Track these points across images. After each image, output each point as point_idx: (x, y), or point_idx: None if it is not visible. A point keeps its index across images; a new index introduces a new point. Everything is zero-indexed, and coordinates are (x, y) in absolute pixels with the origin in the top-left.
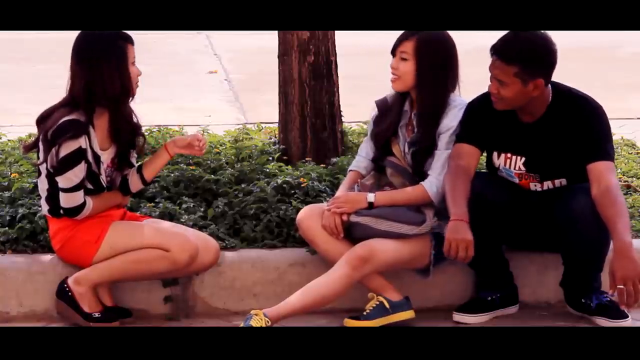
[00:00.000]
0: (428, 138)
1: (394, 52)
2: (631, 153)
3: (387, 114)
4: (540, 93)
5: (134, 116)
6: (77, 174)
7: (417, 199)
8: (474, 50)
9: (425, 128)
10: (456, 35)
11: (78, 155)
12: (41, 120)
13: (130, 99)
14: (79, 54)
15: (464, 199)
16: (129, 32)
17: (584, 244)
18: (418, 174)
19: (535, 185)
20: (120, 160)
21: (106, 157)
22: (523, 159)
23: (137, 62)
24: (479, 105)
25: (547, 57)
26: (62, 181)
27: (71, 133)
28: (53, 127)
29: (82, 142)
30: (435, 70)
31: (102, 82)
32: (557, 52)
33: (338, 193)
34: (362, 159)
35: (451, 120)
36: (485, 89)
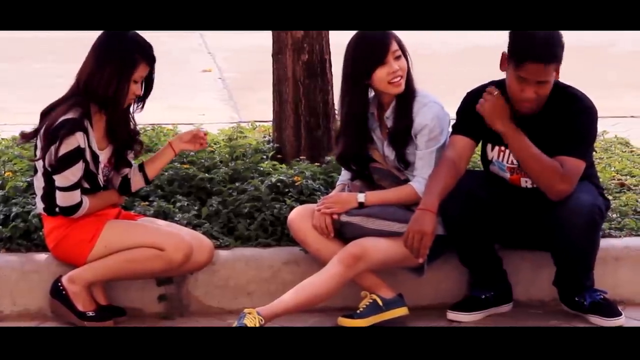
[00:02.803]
0: (405, 121)
1: (385, 58)
2: (625, 151)
3: (348, 133)
4: (557, 78)
5: (131, 123)
6: (74, 173)
7: (407, 199)
8: (467, 50)
9: (404, 115)
10: (449, 35)
11: (76, 155)
12: (45, 114)
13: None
14: (99, 46)
15: (437, 190)
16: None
17: (571, 246)
18: (404, 163)
19: (526, 182)
20: (117, 159)
21: (103, 156)
22: None
23: None
24: (478, 96)
25: (563, 40)
26: (60, 180)
27: (69, 132)
28: (52, 126)
29: (81, 141)
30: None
31: (100, 80)
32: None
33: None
34: (347, 173)
35: (423, 119)
36: (475, 86)
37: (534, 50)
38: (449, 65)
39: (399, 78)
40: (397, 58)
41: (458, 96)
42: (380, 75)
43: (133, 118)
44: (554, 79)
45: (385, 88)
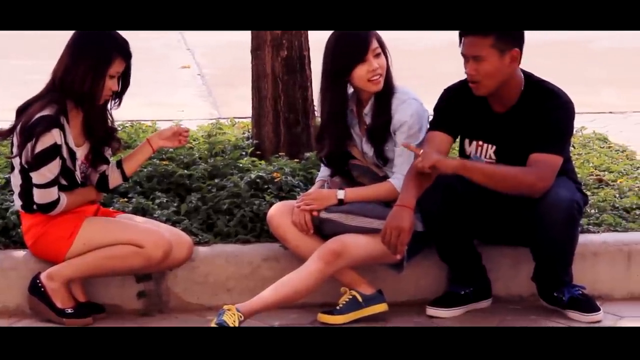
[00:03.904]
0: (383, 117)
1: (365, 56)
2: (603, 147)
3: (329, 130)
4: (514, 70)
5: (108, 119)
6: (51, 170)
7: (386, 195)
8: (446, 46)
9: (383, 111)
10: (429, 32)
11: (53, 152)
12: (21, 111)
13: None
14: (74, 42)
15: (414, 186)
16: None
17: (550, 241)
18: (382, 160)
19: (498, 191)
20: (94, 156)
21: (80, 153)
22: (494, 147)
23: None
24: (455, 92)
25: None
26: (37, 177)
27: (45, 129)
28: (28, 123)
29: (57, 137)
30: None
31: (75, 76)
32: None
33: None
34: (326, 169)
35: (402, 116)
36: (453, 82)
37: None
38: (428, 61)
39: (378, 76)
40: (377, 56)
41: (437, 92)
42: (360, 73)
43: (111, 115)
44: (495, 58)
45: (364, 86)
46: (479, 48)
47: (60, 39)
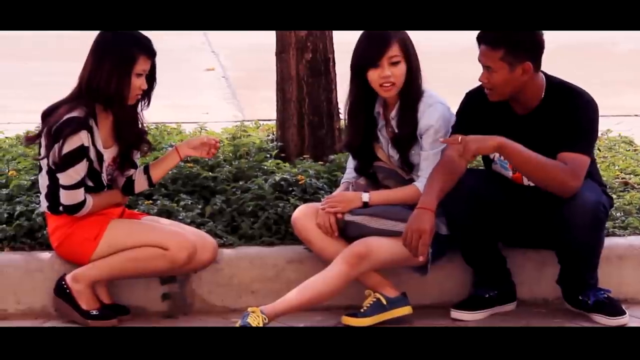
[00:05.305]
0: (410, 127)
1: (378, 61)
2: (629, 150)
3: (354, 128)
4: (530, 78)
5: (139, 121)
6: (78, 171)
7: (411, 198)
8: (469, 49)
9: (409, 120)
10: (451, 34)
11: (80, 153)
12: (47, 114)
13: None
14: (96, 45)
15: (436, 189)
16: None
17: (576, 243)
18: (407, 165)
19: (529, 180)
20: (121, 159)
21: (108, 155)
22: None
23: None
24: (476, 96)
25: (532, 39)
26: (63, 178)
27: (73, 130)
28: (56, 124)
29: (85, 139)
30: (418, 62)
31: (100, 78)
32: (542, 36)
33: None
34: (351, 171)
35: (429, 120)
36: (473, 86)
37: (484, 33)
38: (443, 63)
39: (389, 84)
40: (394, 64)
41: (457, 96)
42: (372, 76)
43: (142, 117)
44: (505, 71)
45: (377, 89)
46: (489, 59)
47: (71, 40)
